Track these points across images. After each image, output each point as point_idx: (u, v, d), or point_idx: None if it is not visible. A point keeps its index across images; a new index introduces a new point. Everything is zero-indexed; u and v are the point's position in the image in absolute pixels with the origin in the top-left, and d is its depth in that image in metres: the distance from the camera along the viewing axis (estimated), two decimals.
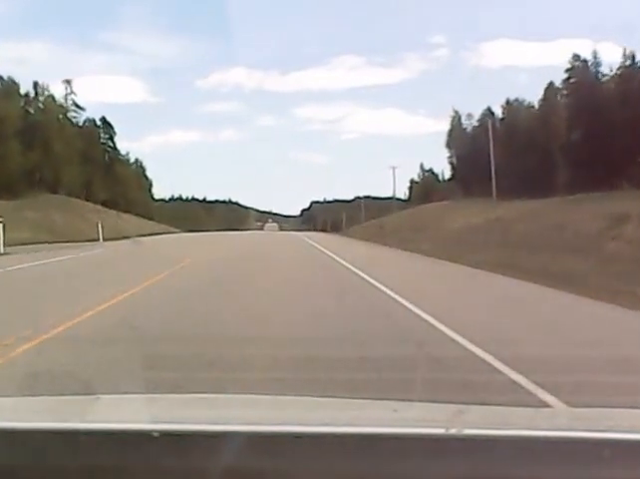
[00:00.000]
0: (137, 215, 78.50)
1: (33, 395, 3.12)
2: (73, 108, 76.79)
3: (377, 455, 1.20)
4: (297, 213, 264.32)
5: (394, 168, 76.81)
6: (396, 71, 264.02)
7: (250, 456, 1.21)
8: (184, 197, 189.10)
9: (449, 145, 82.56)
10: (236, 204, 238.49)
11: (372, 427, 1.40)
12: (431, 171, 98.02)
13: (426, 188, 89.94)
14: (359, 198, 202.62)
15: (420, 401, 2.23)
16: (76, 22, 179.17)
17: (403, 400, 2.04)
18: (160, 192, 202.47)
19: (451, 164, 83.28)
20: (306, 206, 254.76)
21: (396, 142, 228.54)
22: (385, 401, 1.87)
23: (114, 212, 66.41)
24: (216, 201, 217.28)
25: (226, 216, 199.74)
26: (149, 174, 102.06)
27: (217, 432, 1.29)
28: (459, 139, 79.90)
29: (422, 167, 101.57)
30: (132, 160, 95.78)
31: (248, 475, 1.20)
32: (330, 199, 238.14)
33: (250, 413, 1.74)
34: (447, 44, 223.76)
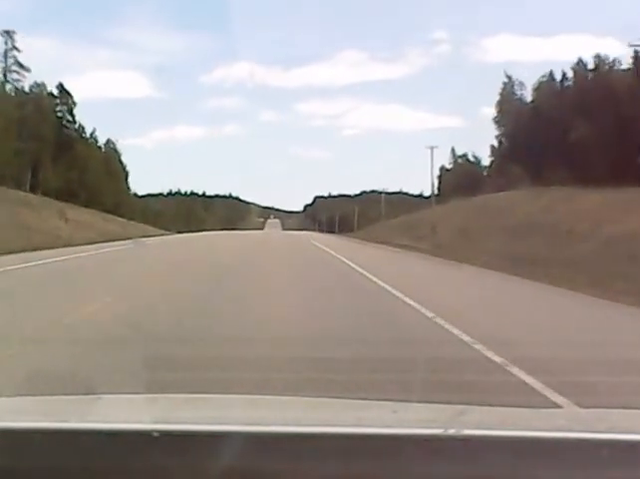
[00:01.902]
0: (104, 210, 61.48)
1: (33, 395, 3.08)
2: (15, 68, 59.25)
3: (376, 456, 1.20)
4: (300, 208, 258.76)
5: (432, 148, 59.48)
6: (398, 66, 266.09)
7: (250, 456, 1.20)
8: (183, 191, 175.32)
9: (498, 121, 65.16)
10: (237, 199, 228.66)
11: (371, 428, 1.40)
12: (466, 156, 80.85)
13: (464, 176, 72.61)
14: (366, 192, 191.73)
15: (419, 402, 2.16)
16: (81, 19, 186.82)
17: (402, 401, 1.98)
18: (161, 186, 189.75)
19: (500, 144, 65.94)
20: (309, 201, 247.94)
21: (399, 137, 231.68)
22: (384, 402, 1.84)
23: (57, 205, 48.42)
24: (216, 195, 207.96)
25: (226, 211, 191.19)
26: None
27: (217, 432, 1.27)
28: (512, 112, 62.39)
29: (453, 152, 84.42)
30: (101, 140, 78.40)
31: (248, 475, 1.19)
32: (335, 193, 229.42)
33: (250, 413, 1.72)
34: (449, 39, 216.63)
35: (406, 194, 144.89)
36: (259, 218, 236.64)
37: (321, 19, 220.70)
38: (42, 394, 3.79)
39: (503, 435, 1.29)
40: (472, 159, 77.31)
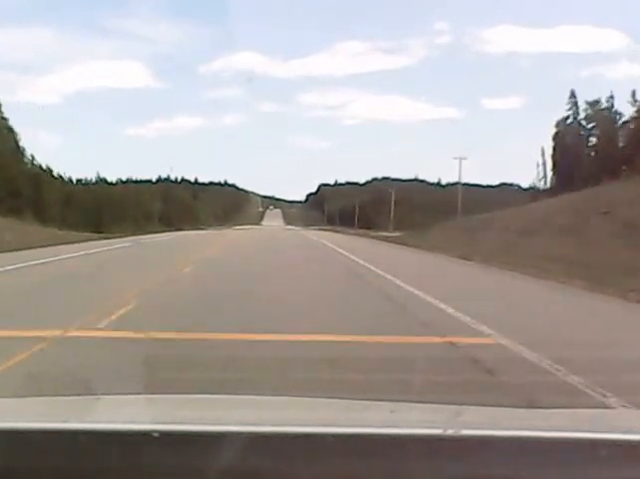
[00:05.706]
0: None
1: (33, 396, 3.10)
2: None
3: (375, 456, 1.20)
4: (302, 198, 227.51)
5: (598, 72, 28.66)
6: (399, 57, 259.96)
7: (249, 456, 1.21)
8: (173, 178, 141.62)
9: None
10: (233, 186, 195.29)
11: (370, 428, 1.40)
12: (598, 103, 47.85)
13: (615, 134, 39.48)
14: (377, 179, 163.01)
15: (418, 402, 2.18)
16: (82, 9, 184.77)
17: (401, 401, 1.99)
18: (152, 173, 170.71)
19: None
20: (312, 190, 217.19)
21: (402, 127, 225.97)
22: (383, 402, 1.84)
23: None
24: (210, 183, 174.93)
25: (222, 201, 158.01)
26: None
27: (217, 432, 1.28)
28: None
29: (574, 96, 51.51)
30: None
31: (248, 475, 1.20)
32: (342, 181, 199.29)
33: (250, 414, 1.72)
34: (450, 30, 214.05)
35: (422, 181, 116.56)
36: (259, 208, 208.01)
37: (322, 9, 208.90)
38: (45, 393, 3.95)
39: (501, 435, 1.30)
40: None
